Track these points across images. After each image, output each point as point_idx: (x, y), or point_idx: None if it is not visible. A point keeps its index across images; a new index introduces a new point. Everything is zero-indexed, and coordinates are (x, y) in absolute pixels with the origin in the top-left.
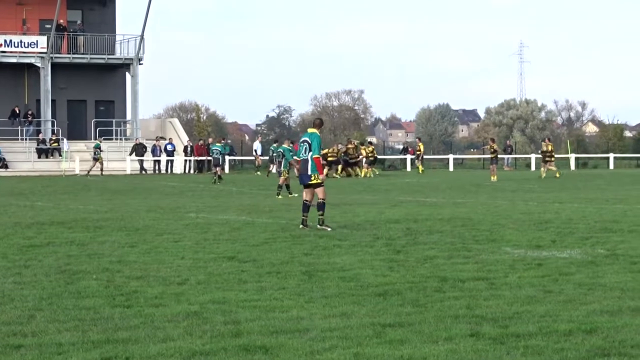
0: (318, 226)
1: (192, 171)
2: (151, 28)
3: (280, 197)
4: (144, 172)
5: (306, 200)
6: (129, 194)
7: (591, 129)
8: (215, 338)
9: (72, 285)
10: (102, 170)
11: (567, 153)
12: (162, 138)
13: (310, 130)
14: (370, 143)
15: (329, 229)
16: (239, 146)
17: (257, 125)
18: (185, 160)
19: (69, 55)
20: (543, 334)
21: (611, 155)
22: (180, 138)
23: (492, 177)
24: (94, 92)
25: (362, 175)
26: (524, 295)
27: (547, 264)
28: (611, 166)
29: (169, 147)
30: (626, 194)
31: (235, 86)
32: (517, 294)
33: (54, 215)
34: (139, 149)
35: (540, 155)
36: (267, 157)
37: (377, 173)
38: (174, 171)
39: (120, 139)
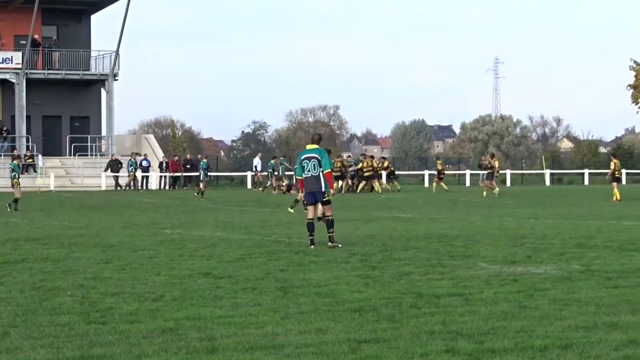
0: (329, 244)
1: (167, 187)
2: (126, 44)
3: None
4: (119, 188)
5: (311, 219)
6: (104, 210)
7: (566, 144)
8: (191, 354)
9: (46, 301)
10: (135, 186)
11: (542, 169)
12: (138, 154)
13: (312, 146)
14: (384, 158)
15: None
16: (214, 162)
17: (233, 141)
18: (161, 176)
19: (43, 71)
20: (518, 350)
21: (586, 171)
22: (156, 154)
23: (494, 191)
24: (69, 108)
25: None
26: (499, 310)
27: (522, 280)
28: (586, 182)
29: (144, 163)
30: (601, 209)
31: (210, 102)
32: (493, 309)
33: (29, 232)
34: (114, 165)
35: (487, 171)
36: (266, 173)
37: (388, 189)
38: (149, 187)
39: (95, 155)
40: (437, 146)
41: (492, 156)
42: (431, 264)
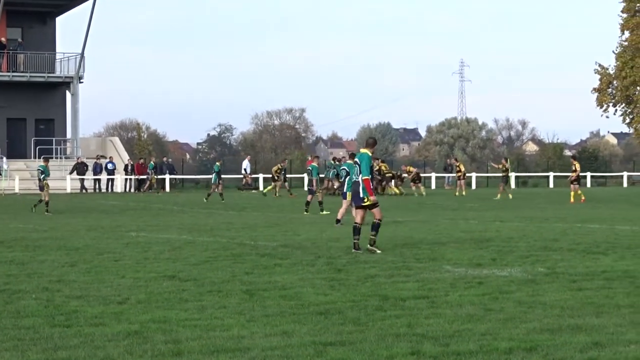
0: (368, 246)
1: (132, 190)
2: (92, 46)
3: (307, 213)
4: (84, 190)
5: (357, 223)
6: (69, 213)
7: (531, 147)
8: (156, 357)
9: (11, 304)
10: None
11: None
12: (103, 157)
13: (362, 150)
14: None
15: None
16: (179, 165)
17: (198, 144)
18: (126, 179)
19: (8, 74)
20: (484, 352)
21: (551, 174)
22: (121, 157)
23: (498, 195)
24: (33, 111)
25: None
26: (464, 313)
27: (487, 283)
28: (551, 185)
29: (110, 166)
30: (566, 212)
31: (176, 104)
32: (458, 312)
33: None
34: (80, 168)
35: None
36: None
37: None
38: (114, 190)
39: (61, 158)
40: (403, 149)
41: (506, 160)
42: (396, 267)
